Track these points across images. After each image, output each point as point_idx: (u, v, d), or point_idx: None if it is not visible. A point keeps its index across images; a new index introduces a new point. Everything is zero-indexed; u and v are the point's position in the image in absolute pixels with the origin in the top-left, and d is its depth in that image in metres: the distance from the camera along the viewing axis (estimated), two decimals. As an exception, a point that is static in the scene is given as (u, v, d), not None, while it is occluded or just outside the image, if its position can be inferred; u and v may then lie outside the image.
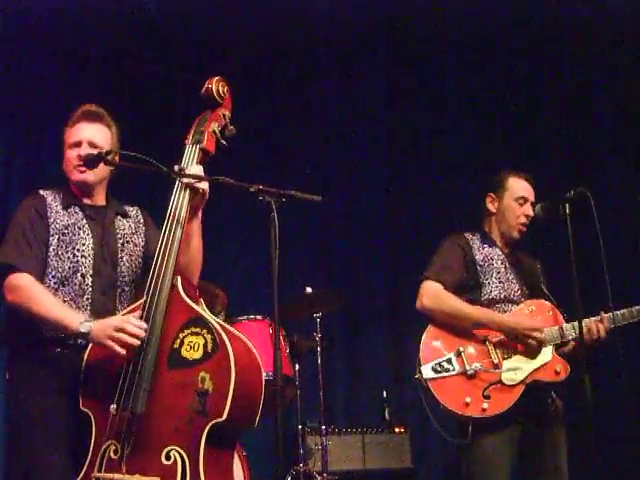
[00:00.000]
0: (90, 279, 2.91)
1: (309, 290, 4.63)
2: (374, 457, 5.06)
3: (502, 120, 6.04)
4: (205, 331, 2.63)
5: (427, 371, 3.43)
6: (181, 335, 2.66)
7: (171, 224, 2.81)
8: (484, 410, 3.36)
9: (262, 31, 5.67)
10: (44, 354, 2.82)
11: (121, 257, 3.01)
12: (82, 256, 2.92)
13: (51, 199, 3.00)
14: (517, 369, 3.44)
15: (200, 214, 2.92)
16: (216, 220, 4.66)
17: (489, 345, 3.48)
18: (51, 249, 2.91)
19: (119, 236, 3.05)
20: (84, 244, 2.94)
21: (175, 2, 5.58)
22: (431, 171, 6.06)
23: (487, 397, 3.38)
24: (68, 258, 2.91)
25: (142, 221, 3.16)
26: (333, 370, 5.61)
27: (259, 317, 4.35)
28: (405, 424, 5.20)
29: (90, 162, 2.91)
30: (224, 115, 3.01)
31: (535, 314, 3.59)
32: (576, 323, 3.41)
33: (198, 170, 2.87)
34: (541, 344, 3.48)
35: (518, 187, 3.72)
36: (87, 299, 2.89)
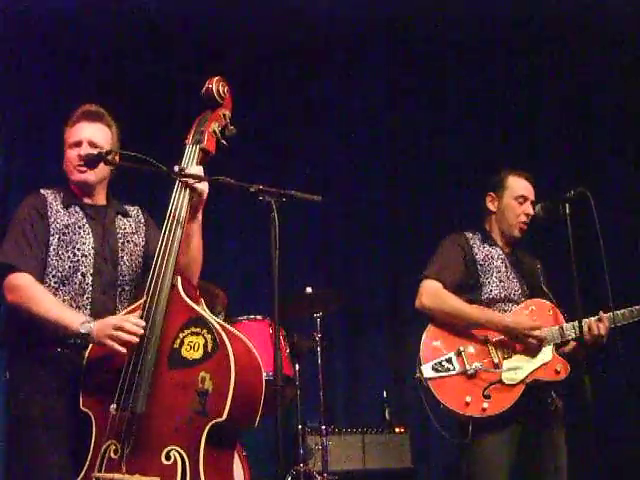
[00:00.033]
0: (90, 278, 2.92)
1: (309, 290, 4.63)
2: (374, 457, 5.06)
3: (502, 120, 6.04)
4: (205, 331, 2.63)
5: (427, 370, 3.43)
6: (181, 335, 2.66)
7: (171, 224, 2.81)
8: (484, 410, 3.36)
9: (262, 31, 5.67)
10: (44, 354, 2.82)
11: (121, 256, 3.01)
12: (82, 255, 2.92)
13: (52, 198, 3.00)
14: (517, 369, 3.44)
15: (200, 215, 2.92)
16: (216, 220, 4.65)
17: (489, 345, 3.49)
18: (51, 248, 2.91)
19: (119, 235, 3.05)
20: (84, 243, 2.95)
21: (175, 2, 5.58)
22: (431, 171, 6.06)
23: (487, 397, 3.38)
24: (68, 257, 2.91)
25: (143, 221, 3.16)
26: (333, 370, 5.61)
27: (259, 317, 4.35)
28: (405, 424, 5.20)
29: (90, 162, 2.91)
30: (224, 115, 3.01)
31: (535, 313, 3.59)
32: (576, 323, 3.42)
33: (198, 170, 2.87)
34: (541, 344, 3.48)
35: (518, 186, 3.73)
36: (87, 298, 2.90)
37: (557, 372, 3.48)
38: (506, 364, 3.45)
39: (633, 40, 5.65)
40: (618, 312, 3.51)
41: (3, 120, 5.33)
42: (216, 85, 3.00)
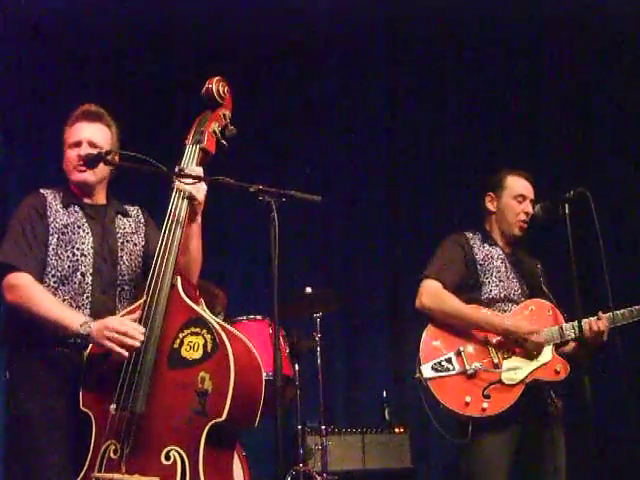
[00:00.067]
0: (90, 278, 2.91)
1: (309, 290, 4.63)
2: (374, 457, 5.06)
3: (502, 120, 6.03)
4: (205, 331, 2.63)
5: (427, 370, 3.43)
6: (181, 335, 2.66)
7: (171, 224, 2.81)
8: (484, 410, 3.36)
9: (262, 31, 5.67)
10: (44, 353, 2.82)
11: (121, 256, 3.01)
12: (82, 255, 2.92)
13: (51, 198, 3.00)
14: (517, 369, 3.44)
15: (199, 217, 2.92)
16: (216, 220, 4.65)
17: (489, 345, 3.48)
18: (51, 248, 2.91)
19: (119, 235, 3.05)
20: (84, 243, 2.94)
21: (175, 2, 5.57)
22: (431, 171, 6.06)
23: (487, 397, 3.38)
24: (68, 257, 2.91)
25: (143, 221, 3.16)
26: (333, 370, 5.61)
27: (259, 317, 4.35)
28: (405, 424, 5.20)
29: (90, 162, 2.91)
30: (224, 115, 3.01)
31: (535, 313, 3.59)
32: (576, 323, 3.42)
33: (198, 171, 2.87)
34: (540, 348, 3.48)
35: (516, 185, 3.73)
36: (87, 298, 2.89)
37: (557, 372, 3.48)
38: (506, 364, 3.45)
39: (633, 40, 5.65)
40: (618, 312, 3.51)
41: (3, 120, 5.33)
42: (216, 85, 3.00)
